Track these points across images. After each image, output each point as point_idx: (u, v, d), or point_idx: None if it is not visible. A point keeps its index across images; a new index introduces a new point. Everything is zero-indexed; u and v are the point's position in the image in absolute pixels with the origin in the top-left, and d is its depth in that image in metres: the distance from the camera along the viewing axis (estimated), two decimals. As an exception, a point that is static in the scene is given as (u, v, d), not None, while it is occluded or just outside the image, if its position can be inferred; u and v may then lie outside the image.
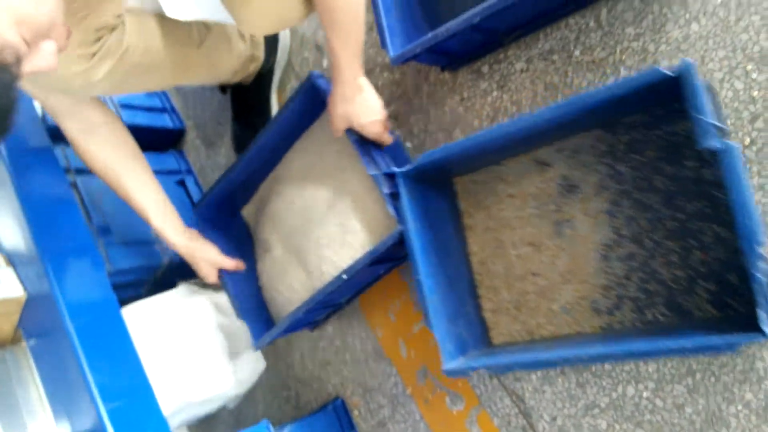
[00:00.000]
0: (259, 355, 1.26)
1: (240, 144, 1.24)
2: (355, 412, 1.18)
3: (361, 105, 0.91)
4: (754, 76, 0.76)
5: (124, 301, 1.21)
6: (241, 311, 1.11)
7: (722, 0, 0.77)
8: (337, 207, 1.03)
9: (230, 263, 1.09)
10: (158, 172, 1.33)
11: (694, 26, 0.80)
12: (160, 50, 0.92)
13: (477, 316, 0.98)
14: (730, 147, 0.64)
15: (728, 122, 0.78)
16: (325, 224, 1.04)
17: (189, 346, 1.11)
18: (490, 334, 0.98)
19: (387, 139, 0.96)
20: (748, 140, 0.77)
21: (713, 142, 0.64)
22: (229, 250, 1.13)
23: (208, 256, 1.08)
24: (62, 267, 1.00)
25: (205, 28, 1.02)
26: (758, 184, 0.77)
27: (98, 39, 0.83)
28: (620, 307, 0.87)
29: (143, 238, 1.21)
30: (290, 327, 1.06)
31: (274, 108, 1.20)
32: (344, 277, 0.94)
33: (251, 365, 1.21)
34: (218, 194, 1.14)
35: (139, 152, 1.04)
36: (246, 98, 1.18)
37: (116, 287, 1.15)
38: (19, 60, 0.57)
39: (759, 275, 0.64)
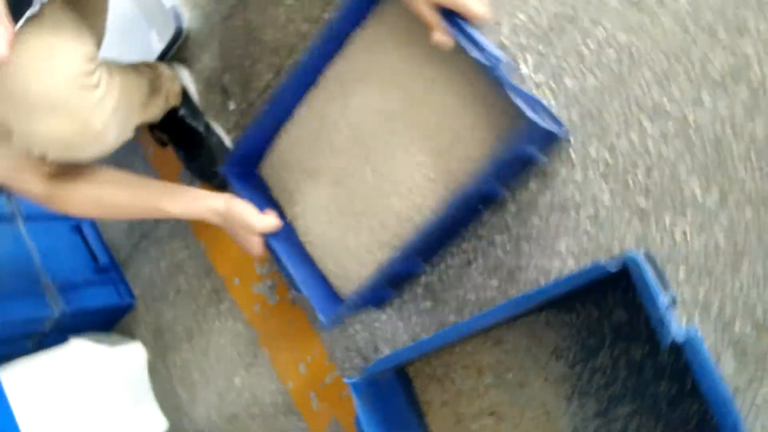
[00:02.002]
0: (159, 414, 1.18)
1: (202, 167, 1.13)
2: (265, 471, 1.12)
3: None
4: (648, 128, 0.78)
5: (7, 357, 1.11)
6: (301, 284, 0.92)
7: (616, 55, 0.79)
8: (411, 117, 0.85)
9: (272, 221, 0.92)
10: (53, 218, 1.25)
11: (591, 79, 0.81)
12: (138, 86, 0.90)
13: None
14: (692, 339, 0.64)
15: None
16: (397, 146, 0.86)
17: (77, 407, 1.02)
18: None
19: (477, 8, 0.73)
20: (644, 189, 0.79)
21: (674, 337, 0.64)
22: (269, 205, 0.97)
23: (249, 224, 0.91)
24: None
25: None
26: (659, 230, 0.79)
27: (94, 72, 0.76)
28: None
29: (33, 290, 1.11)
30: (371, 294, 0.89)
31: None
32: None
33: (150, 426, 1.13)
34: (251, 141, 0.95)
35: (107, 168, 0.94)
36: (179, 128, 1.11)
37: (-1, 341, 1.06)
38: None
39: None
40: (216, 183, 1.11)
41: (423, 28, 0.79)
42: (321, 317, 0.89)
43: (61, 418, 0.99)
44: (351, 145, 0.91)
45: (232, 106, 1.12)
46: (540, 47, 0.84)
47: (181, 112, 1.07)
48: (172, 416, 1.21)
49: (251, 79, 1.10)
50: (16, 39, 0.66)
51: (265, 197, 1.00)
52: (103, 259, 1.23)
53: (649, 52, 0.77)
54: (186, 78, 1.12)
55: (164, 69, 1.04)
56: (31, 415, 0.95)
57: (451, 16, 0.75)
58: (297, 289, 0.92)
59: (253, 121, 0.94)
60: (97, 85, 0.76)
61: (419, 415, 0.96)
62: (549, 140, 0.82)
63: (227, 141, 1.11)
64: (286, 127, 0.98)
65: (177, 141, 1.09)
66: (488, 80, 0.79)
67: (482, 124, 0.81)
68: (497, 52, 0.74)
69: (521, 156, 0.79)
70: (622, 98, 0.79)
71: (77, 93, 0.73)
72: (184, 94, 1.09)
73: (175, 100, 1.05)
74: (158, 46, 1.15)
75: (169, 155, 1.16)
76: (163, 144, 1.11)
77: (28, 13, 0.67)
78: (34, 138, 0.74)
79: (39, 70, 0.70)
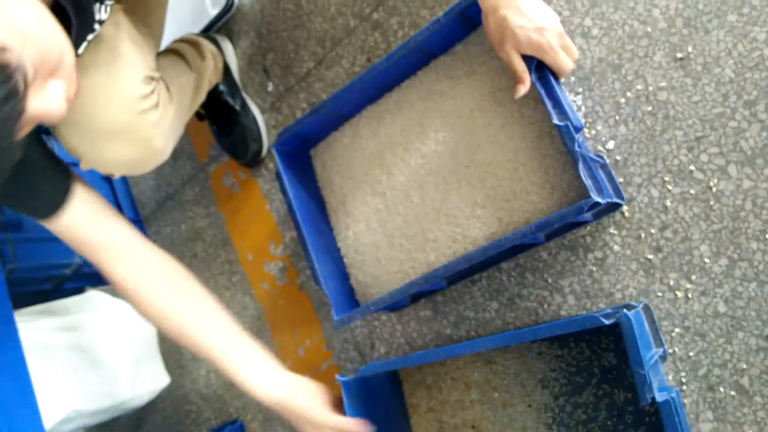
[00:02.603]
0: (162, 370, 1.24)
1: (235, 146, 1.15)
2: (252, 438, 1.18)
3: (519, 9, 0.70)
4: (669, 187, 0.79)
5: (27, 296, 1.17)
6: (323, 278, 0.93)
7: (651, 109, 0.80)
8: (481, 164, 0.85)
9: (344, 423, 0.80)
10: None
11: (622, 129, 0.82)
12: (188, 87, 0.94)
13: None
14: (670, 401, 0.67)
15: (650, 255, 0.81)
16: (461, 186, 0.86)
17: (86, 356, 1.08)
18: None
19: (566, 64, 0.73)
20: (655, 246, 0.80)
21: (653, 396, 0.67)
22: (305, 195, 0.98)
23: (315, 418, 0.79)
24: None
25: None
26: (662, 286, 0.80)
27: (152, 92, 0.80)
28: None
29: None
30: (381, 306, 0.89)
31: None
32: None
33: (153, 380, 1.19)
34: (308, 124, 0.93)
35: (199, 288, 0.86)
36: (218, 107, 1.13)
37: (19, 282, 1.11)
38: (26, 90, 0.49)
39: None
40: (245, 161, 1.14)
41: (507, 78, 0.79)
42: (334, 315, 0.91)
43: (69, 364, 1.05)
44: (404, 166, 0.93)
45: (270, 87, 1.14)
46: (579, 88, 0.84)
47: (220, 87, 1.09)
48: (175, 373, 1.28)
49: (293, 64, 1.11)
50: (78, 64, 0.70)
51: (308, 181, 1.02)
52: (128, 213, 1.28)
53: (685, 114, 0.77)
54: (230, 54, 1.13)
55: (208, 46, 1.06)
56: (42, 359, 1.01)
57: (539, 69, 0.74)
58: (317, 282, 0.93)
59: (316, 107, 0.92)
60: (155, 105, 0.80)
61: (405, 416, 1.00)
62: (607, 211, 0.82)
63: (261, 121, 1.13)
64: (349, 124, 0.98)
65: (212, 115, 1.12)
66: (562, 146, 0.79)
67: (547, 187, 0.82)
68: (580, 121, 0.74)
69: (575, 221, 0.81)
70: (649, 154, 0.80)
71: (138, 118, 0.77)
72: (225, 70, 1.11)
73: (217, 78, 1.07)
74: (212, 11, 1.17)
75: (204, 126, 1.19)
76: (200, 117, 1.13)
77: (90, 37, 0.69)
78: (101, 162, 0.79)
79: (101, 99, 0.74)
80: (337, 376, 0.89)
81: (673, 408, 0.68)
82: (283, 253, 1.14)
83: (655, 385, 0.69)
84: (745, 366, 0.76)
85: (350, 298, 0.99)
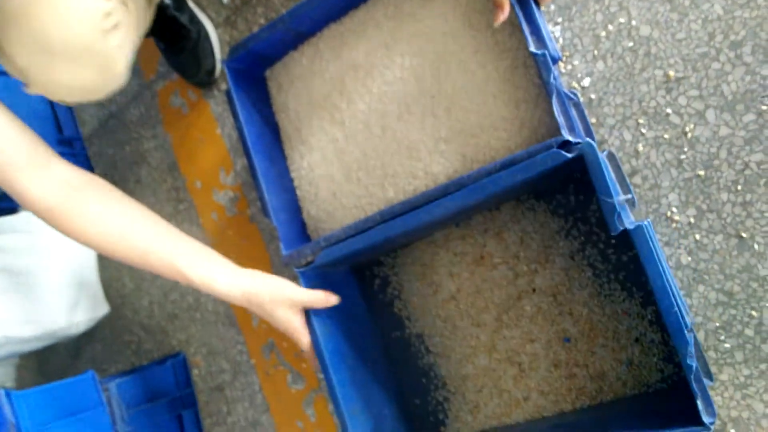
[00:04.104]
0: (102, 298, 1.18)
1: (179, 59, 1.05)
2: (195, 371, 1.13)
3: None
4: (643, 130, 0.75)
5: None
6: (272, 210, 0.87)
7: (632, 45, 0.74)
8: (448, 94, 0.79)
9: (320, 299, 0.78)
10: (21, 74, 1.18)
11: (600, 65, 0.76)
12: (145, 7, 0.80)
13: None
14: (640, 227, 0.60)
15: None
16: (424, 117, 0.80)
17: (19, 278, 1.01)
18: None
19: None
20: (623, 192, 0.77)
21: (623, 224, 0.61)
22: (258, 120, 0.89)
23: (282, 294, 0.76)
24: None
25: None
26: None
27: (111, 11, 0.69)
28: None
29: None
30: (333, 243, 0.81)
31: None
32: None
33: (92, 308, 1.13)
34: (264, 40, 0.85)
35: (134, 201, 0.80)
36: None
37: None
38: None
39: (691, 362, 0.60)
40: (196, 80, 1.05)
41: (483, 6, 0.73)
42: (283, 250, 0.86)
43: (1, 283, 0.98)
44: (366, 92, 0.85)
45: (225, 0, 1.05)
46: (558, 19, 0.78)
47: (165, 1, 0.99)
48: (115, 302, 1.22)
49: (251, -25, 1.02)
50: None
51: (262, 104, 0.93)
52: (68, 130, 1.18)
53: (667, 53, 0.72)
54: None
55: None
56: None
57: None
58: (266, 214, 0.87)
59: (273, 21, 0.84)
60: (116, 26, 0.70)
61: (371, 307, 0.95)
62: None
63: (214, 37, 1.04)
64: (309, 43, 0.90)
65: (157, 32, 1.02)
66: (536, 78, 0.73)
67: (517, 123, 0.76)
68: (558, 52, 0.68)
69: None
70: (626, 94, 0.75)
71: (99, 39, 0.67)
72: None
73: None
74: None
75: (151, 39, 1.09)
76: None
77: None
78: (55, 86, 0.69)
79: (60, 14, 0.64)
80: (295, 269, 0.81)
81: (646, 233, 0.61)
82: (234, 182, 1.07)
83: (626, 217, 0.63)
84: (701, 320, 0.74)
85: (301, 233, 0.93)
